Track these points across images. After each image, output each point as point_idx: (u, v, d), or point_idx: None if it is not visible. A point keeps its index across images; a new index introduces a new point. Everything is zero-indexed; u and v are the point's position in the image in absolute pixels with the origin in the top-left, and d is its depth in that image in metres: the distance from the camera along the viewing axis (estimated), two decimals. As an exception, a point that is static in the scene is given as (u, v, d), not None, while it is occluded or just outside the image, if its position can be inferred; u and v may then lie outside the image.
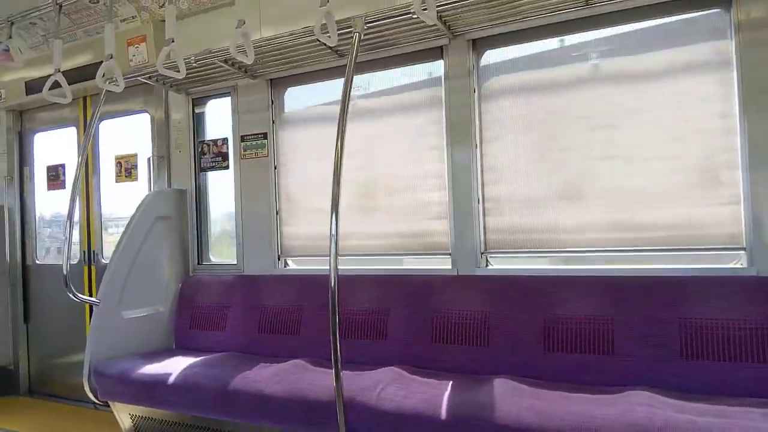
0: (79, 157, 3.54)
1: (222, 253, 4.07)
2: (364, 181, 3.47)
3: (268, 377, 2.77)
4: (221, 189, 4.05)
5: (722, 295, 2.41)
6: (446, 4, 2.67)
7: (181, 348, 3.69)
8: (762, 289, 2.37)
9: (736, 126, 2.52)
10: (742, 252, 2.52)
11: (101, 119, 4.44)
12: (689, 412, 2.03)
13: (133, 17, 4.11)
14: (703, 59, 2.62)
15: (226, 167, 3.93)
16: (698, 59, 2.63)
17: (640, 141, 2.73)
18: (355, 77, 3.32)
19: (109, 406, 3.33)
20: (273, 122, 3.75)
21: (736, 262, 2.55)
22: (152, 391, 2.99)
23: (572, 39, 2.90)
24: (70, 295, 3.30)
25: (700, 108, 2.61)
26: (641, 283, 2.59)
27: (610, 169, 2.79)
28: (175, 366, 3.08)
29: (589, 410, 2.09)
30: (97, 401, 3.31)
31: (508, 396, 2.30)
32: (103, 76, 3.35)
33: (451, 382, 2.57)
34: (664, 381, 2.38)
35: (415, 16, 2.60)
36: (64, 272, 3.28)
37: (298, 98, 3.76)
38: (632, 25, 2.75)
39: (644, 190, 2.72)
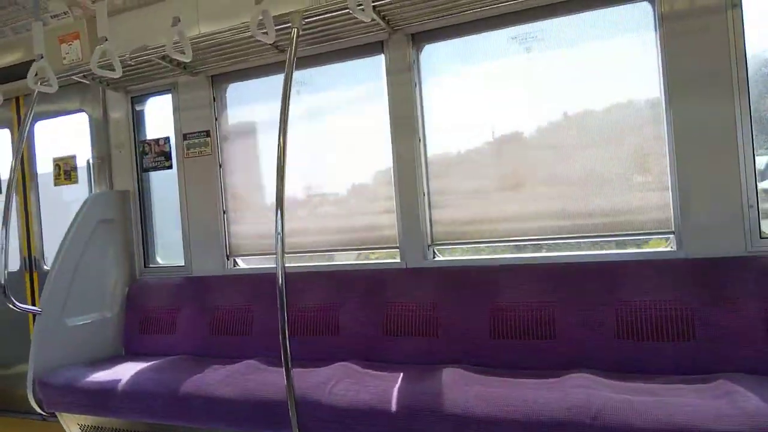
0: (13, 160, 3.38)
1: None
2: (311, 177, 3.46)
3: (220, 379, 2.75)
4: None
5: (653, 278, 2.53)
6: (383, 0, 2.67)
7: (131, 354, 3.61)
8: (689, 271, 2.49)
9: (662, 114, 2.63)
10: (671, 236, 2.64)
11: (36, 120, 4.27)
12: (625, 392, 2.13)
13: (65, 13, 3.94)
14: (631, 50, 2.72)
15: (169, 167, 3.84)
16: (626, 50, 2.73)
17: (576, 131, 2.82)
18: (297, 72, 3.32)
19: (56, 417, 3.25)
20: (216, 119, 3.69)
21: (666, 246, 2.68)
22: (100, 399, 2.93)
23: (510, 32, 2.95)
24: (10, 305, 3.18)
25: (629, 98, 2.71)
26: (579, 269, 2.69)
27: (548, 158, 2.88)
28: (123, 372, 3.03)
29: (531, 395, 2.17)
30: (43, 412, 3.22)
31: (456, 385, 2.36)
32: (36, 75, 3.21)
33: (401, 374, 2.61)
34: (603, 362, 2.49)
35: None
36: (2, 281, 3.15)
37: (240, 94, 3.70)
38: (565, 17, 2.82)
39: (580, 178, 2.81)
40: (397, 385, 2.46)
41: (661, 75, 2.62)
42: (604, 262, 2.68)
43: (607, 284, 2.59)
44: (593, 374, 2.36)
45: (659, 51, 2.62)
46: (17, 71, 3.95)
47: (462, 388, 2.33)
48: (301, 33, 2.66)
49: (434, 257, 3.12)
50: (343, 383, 2.54)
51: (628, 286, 2.55)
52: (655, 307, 2.47)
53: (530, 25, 2.88)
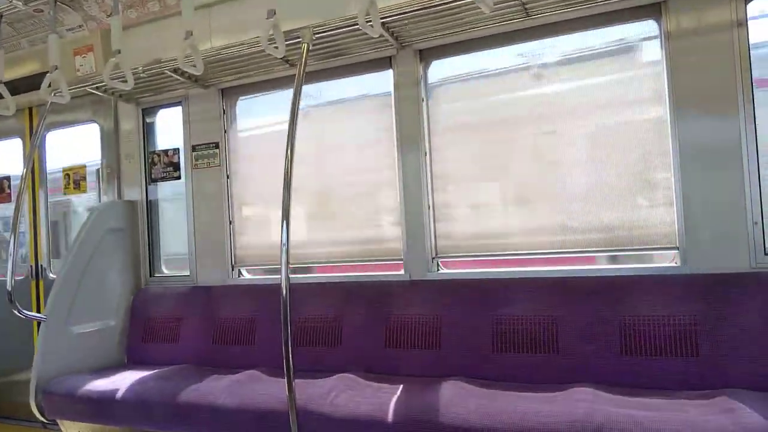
0: (24, 169, 3.44)
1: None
2: (317, 190, 3.50)
3: (221, 389, 2.75)
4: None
5: (658, 294, 2.52)
6: (391, 16, 2.72)
7: (134, 362, 3.62)
8: (694, 287, 2.49)
9: (668, 130, 2.65)
10: (676, 251, 2.65)
11: (48, 130, 4.34)
12: (628, 407, 2.12)
13: (80, 26, 4.02)
14: (637, 67, 2.76)
15: (178, 177, 3.89)
16: (632, 67, 2.77)
17: (581, 146, 2.84)
18: (306, 86, 3.37)
19: (57, 424, 3.24)
20: (225, 132, 3.74)
21: (671, 261, 2.68)
22: (102, 407, 2.93)
23: (515, 49, 3.00)
24: (15, 312, 3.20)
25: (635, 114, 2.74)
26: (583, 284, 2.69)
27: (553, 173, 2.90)
28: (125, 381, 3.03)
29: (533, 409, 2.16)
30: (45, 420, 3.22)
31: (457, 398, 2.35)
32: (49, 86, 3.28)
33: (403, 386, 2.60)
34: (606, 377, 2.47)
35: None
36: (8, 288, 3.18)
37: (249, 107, 3.75)
38: (570, 35, 2.87)
39: (584, 193, 2.83)
40: (398, 397, 2.45)
41: (667, 91, 2.65)
42: (608, 277, 2.68)
43: (611, 299, 2.59)
44: (596, 389, 2.34)
45: (665, 68, 2.66)
46: (31, 82, 4.02)
47: (463, 401, 2.32)
48: (311, 48, 2.71)
49: (438, 270, 3.13)
50: (344, 394, 2.53)
51: (632, 302, 2.55)
52: (659, 323, 2.47)
53: (536, 42, 2.92)
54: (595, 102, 2.81)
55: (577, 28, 2.83)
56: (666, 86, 2.66)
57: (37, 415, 3.21)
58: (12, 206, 4.57)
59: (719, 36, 2.56)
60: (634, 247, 2.74)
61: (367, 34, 2.79)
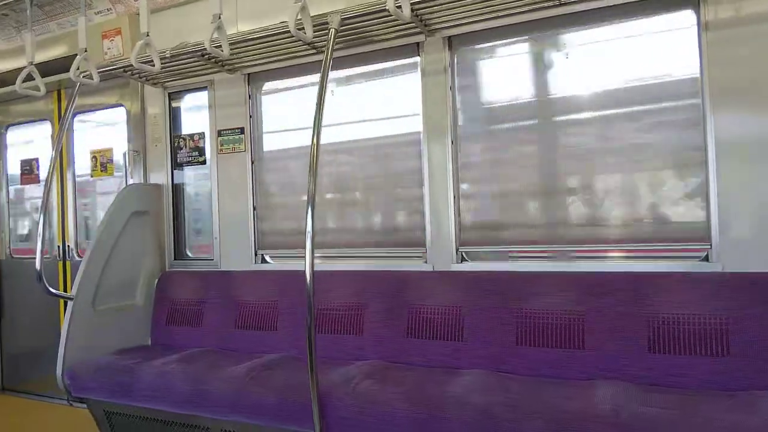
0: (53, 151, 3.49)
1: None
2: (342, 177, 3.49)
3: (243, 373, 2.77)
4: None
5: (688, 290, 2.46)
6: (420, 2, 2.68)
7: (158, 344, 3.67)
8: (725, 284, 2.42)
9: (703, 123, 2.58)
10: (708, 247, 2.58)
11: (76, 113, 4.38)
12: (655, 405, 2.08)
13: (108, 10, 4.05)
14: (672, 58, 2.68)
15: (203, 162, 3.91)
16: (667, 58, 2.68)
17: (611, 138, 2.78)
18: (332, 72, 3.35)
19: (83, 402, 3.31)
20: (250, 117, 3.74)
21: (703, 258, 2.61)
22: (126, 386, 2.98)
23: (546, 37, 2.93)
24: (44, 291, 3.26)
25: (668, 105, 2.67)
26: (610, 279, 2.63)
27: (582, 166, 2.84)
28: (150, 361, 3.07)
29: (557, 404, 2.13)
30: (71, 397, 3.29)
31: (480, 390, 2.33)
32: (78, 69, 3.31)
33: (424, 376, 2.60)
34: (632, 374, 2.43)
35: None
36: (37, 267, 3.24)
37: (275, 92, 3.75)
38: (604, 23, 2.80)
39: (616, 187, 2.77)
40: (419, 386, 2.44)
41: (703, 82, 2.57)
42: (638, 273, 2.63)
43: (640, 296, 2.53)
44: (622, 385, 2.30)
45: (701, 59, 2.57)
46: (60, 65, 4.07)
47: (485, 392, 2.31)
48: (338, 34, 2.69)
49: (462, 261, 3.10)
50: (366, 382, 2.53)
51: (661, 298, 2.49)
52: (689, 321, 2.41)
53: (568, 30, 2.86)
54: (628, 93, 2.74)
55: (611, 17, 2.76)
56: (702, 77, 2.57)
57: (63, 392, 3.28)
58: (40, 187, 4.67)
59: (760, 26, 2.47)
60: (666, 244, 2.68)
61: (394, 19, 2.76)
